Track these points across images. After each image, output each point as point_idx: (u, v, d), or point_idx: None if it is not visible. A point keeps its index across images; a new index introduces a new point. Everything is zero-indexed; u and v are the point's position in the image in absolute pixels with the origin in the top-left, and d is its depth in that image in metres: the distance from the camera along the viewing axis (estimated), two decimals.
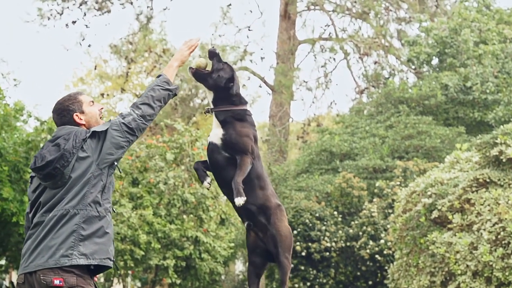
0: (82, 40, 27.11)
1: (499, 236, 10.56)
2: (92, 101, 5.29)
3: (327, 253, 18.12)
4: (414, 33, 27.00)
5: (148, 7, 27.48)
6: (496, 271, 10.42)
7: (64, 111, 5.20)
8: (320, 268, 18.27)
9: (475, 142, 11.90)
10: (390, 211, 17.49)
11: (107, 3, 26.73)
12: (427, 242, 11.65)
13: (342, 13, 28.11)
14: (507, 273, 10.39)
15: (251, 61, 27.61)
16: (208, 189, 6.17)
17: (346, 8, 27.95)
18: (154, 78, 32.02)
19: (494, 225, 10.68)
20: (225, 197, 16.02)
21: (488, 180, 11.26)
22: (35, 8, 27.78)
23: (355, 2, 27.58)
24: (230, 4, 27.82)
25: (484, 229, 10.76)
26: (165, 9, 27.48)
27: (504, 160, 11.26)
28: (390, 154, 20.69)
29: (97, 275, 5.36)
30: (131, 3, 27.04)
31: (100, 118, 5.28)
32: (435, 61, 24.67)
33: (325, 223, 18.44)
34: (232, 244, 18.02)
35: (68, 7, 26.52)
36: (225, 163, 5.88)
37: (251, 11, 28.61)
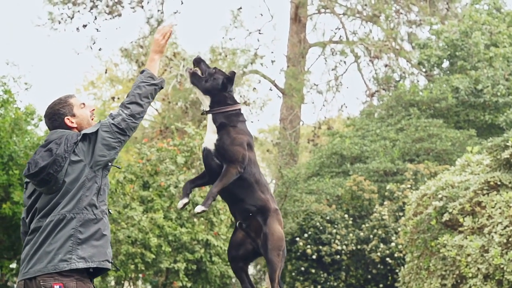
0: (93, 44, 27.18)
1: (510, 239, 10.53)
2: (83, 103, 5.26)
3: (338, 256, 18.10)
4: (425, 36, 26.95)
5: (158, 10, 27.53)
6: (507, 274, 10.38)
7: (55, 115, 5.19)
8: (330, 271, 18.25)
9: (486, 145, 11.89)
10: (401, 214, 17.46)
11: (117, 7, 26.79)
12: (438, 245, 11.62)
13: (352, 16, 28.09)
14: None
15: (261, 64, 27.59)
16: (180, 209, 6.11)
17: (356, 11, 27.93)
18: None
19: (505, 228, 10.65)
20: None
21: (499, 183, 11.23)
22: (46, 12, 27.99)
23: (366, 5, 27.56)
24: (240, 8, 27.82)
25: (495, 232, 10.73)
26: (175, 12, 27.47)
27: None
28: (401, 157, 20.66)
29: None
30: (142, 7, 27.08)
31: (92, 119, 5.25)
32: (445, 64, 24.63)
33: (335, 226, 18.43)
34: None
35: (78, 11, 26.58)
36: (219, 169, 5.88)
37: (261, 15, 28.60)
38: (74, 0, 26.39)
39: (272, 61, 27.79)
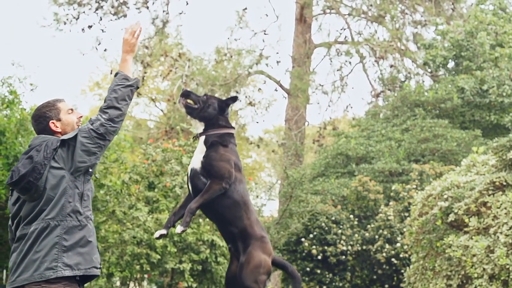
0: (98, 44, 27.18)
1: None
2: (72, 109, 5.24)
3: (343, 257, 18.10)
4: (430, 36, 26.95)
5: (164, 11, 27.54)
6: None
7: (41, 118, 5.18)
8: (336, 272, 18.25)
9: (492, 145, 11.84)
10: (406, 214, 17.46)
11: (123, 8, 26.81)
12: (443, 246, 11.60)
13: (358, 16, 28.09)
14: None
15: (267, 65, 27.59)
16: (157, 238, 6.03)
17: (362, 11, 27.93)
18: (169, 82, 32.14)
19: (510, 228, 10.63)
20: None
21: (504, 183, 11.21)
22: (51, 13, 27.95)
23: (371, 5, 27.55)
24: (245, 8, 27.83)
25: (501, 233, 10.71)
26: (181, 13, 27.50)
27: None
28: (406, 158, 20.65)
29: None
30: (147, 7, 27.10)
31: (78, 126, 5.20)
32: (451, 64, 24.60)
33: (341, 226, 18.42)
34: None
35: (84, 12, 26.61)
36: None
37: (267, 15, 28.65)
38: (80, 0, 26.42)
39: (278, 62, 27.78)
